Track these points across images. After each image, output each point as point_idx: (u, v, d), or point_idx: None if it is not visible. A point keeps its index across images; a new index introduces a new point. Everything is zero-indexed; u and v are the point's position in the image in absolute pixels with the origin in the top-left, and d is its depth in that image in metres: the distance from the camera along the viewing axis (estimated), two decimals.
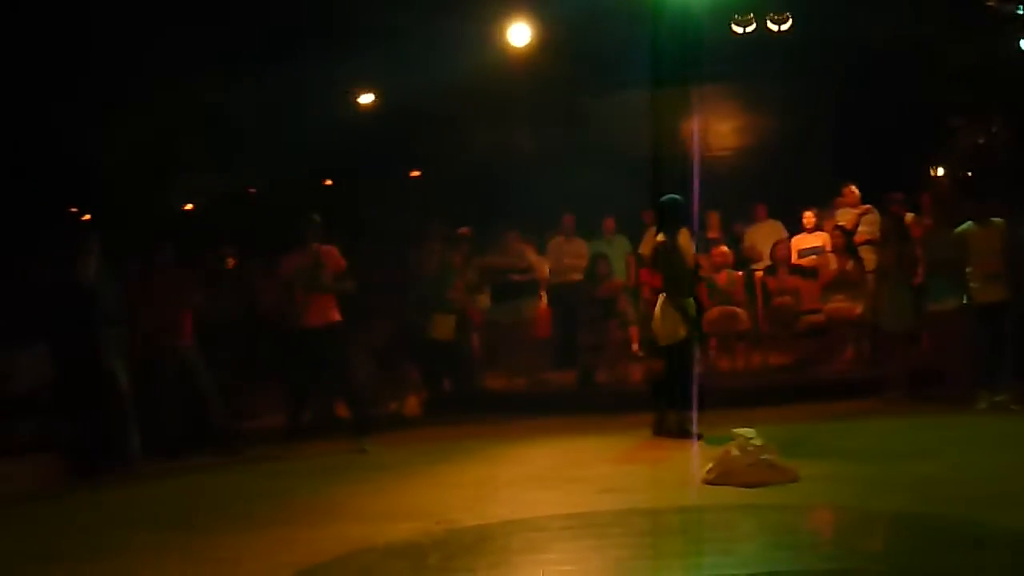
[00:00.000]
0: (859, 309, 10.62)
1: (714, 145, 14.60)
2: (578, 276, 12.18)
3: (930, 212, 10.95)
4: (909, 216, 11.08)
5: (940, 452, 7.26)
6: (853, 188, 11.83)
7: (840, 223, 11.49)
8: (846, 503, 6.22)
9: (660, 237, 8.86)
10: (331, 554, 5.62)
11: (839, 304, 10.80)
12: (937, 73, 12.93)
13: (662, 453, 7.94)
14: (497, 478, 7.47)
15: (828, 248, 11.32)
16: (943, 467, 6.83)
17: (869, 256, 10.90)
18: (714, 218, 12.12)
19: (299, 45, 12.36)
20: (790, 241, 11.88)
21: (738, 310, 11.03)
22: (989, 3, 11.17)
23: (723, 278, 11.15)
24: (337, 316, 9.13)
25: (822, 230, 11.79)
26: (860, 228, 11.42)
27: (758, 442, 6.80)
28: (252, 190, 17.07)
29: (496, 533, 5.99)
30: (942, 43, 12.71)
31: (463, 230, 12.01)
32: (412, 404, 11.06)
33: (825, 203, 12.17)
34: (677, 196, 8.82)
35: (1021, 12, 11.60)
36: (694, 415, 8.20)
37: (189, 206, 17.36)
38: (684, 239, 8.75)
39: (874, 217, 11.45)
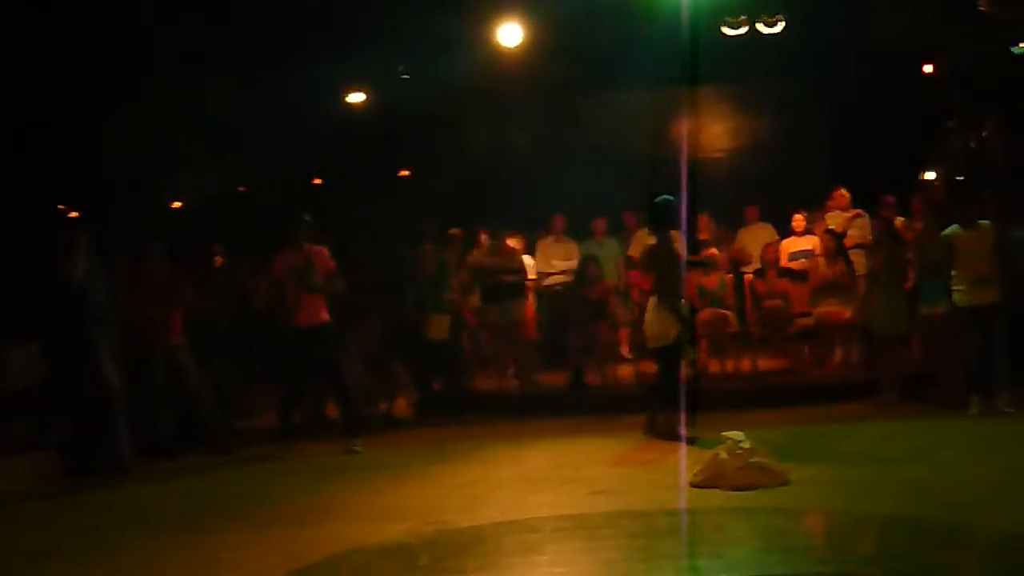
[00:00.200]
0: (849, 313, 10.64)
1: (706, 146, 14.59)
2: (567, 278, 12.19)
3: (921, 215, 10.97)
4: (899, 220, 11.13)
5: (932, 455, 7.29)
6: (843, 192, 11.83)
7: (830, 227, 11.50)
8: (837, 506, 6.24)
9: (651, 239, 8.88)
10: (323, 554, 5.63)
11: (829, 308, 10.80)
12: (930, 76, 12.97)
13: (654, 455, 7.93)
14: (489, 479, 7.46)
15: (818, 252, 11.34)
16: (935, 470, 6.86)
17: (859, 260, 10.92)
18: (704, 220, 12.12)
19: (291, 44, 12.33)
20: (780, 244, 11.88)
21: (728, 313, 11.03)
22: (980, 8, 11.16)
23: (713, 281, 11.16)
24: (326, 316, 9.12)
25: (812, 233, 11.79)
26: (850, 232, 11.42)
27: (747, 445, 6.82)
28: (242, 189, 17.07)
29: (488, 534, 6.00)
30: (935, 46, 12.75)
31: (454, 231, 12.03)
32: (401, 405, 11.08)
33: (817, 206, 12.17)
34: (670, 197, 8.83)
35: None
36: (682, 417, 8.21)
37: (177, 204, 17.36)
38: (676, 240, 8.76)
39: (864, 221, 11.49)
